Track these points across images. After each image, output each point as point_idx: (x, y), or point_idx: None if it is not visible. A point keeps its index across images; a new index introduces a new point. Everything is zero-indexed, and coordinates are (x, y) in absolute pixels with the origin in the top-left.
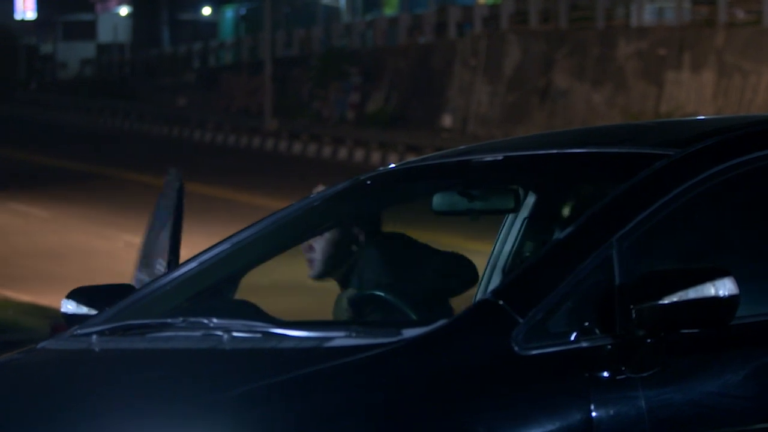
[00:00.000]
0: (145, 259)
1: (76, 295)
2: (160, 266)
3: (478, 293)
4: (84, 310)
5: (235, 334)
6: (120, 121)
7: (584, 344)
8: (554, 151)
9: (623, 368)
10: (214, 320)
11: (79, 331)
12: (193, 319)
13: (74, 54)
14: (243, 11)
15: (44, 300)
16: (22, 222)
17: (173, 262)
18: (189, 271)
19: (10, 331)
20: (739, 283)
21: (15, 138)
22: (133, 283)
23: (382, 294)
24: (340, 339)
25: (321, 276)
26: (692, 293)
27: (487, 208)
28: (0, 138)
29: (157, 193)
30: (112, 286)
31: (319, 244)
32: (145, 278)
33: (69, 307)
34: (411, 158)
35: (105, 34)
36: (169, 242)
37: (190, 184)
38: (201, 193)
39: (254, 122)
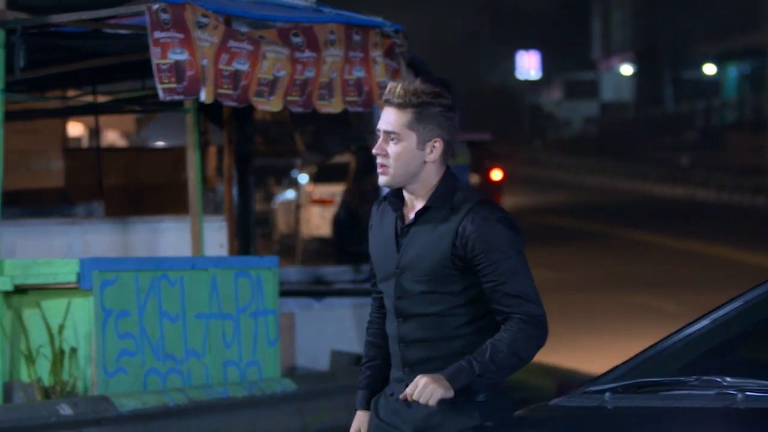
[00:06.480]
0: None
1: None
2: None
3: None
4: None
5: (749, 393)
6: (622, 181)
7: None
8: None
9: None
10: (728, 379)
11: (591, 388)
12: (706, 378)
13: (577, 112)
14: (747, 69)
15: (550, 359)
16: None
17: None
18: (701, 328)
19: (517, 389)
20: None
21: (512, 194)
22: None
23: None
24: None
25: None
26: None
27: None
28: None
29: (662, 253)
30: None
31: None
32: None
33: None
34: None
35: (608, 92)
36: None
37: (692, 243)
38: (704, 252)
39: (758, 181)
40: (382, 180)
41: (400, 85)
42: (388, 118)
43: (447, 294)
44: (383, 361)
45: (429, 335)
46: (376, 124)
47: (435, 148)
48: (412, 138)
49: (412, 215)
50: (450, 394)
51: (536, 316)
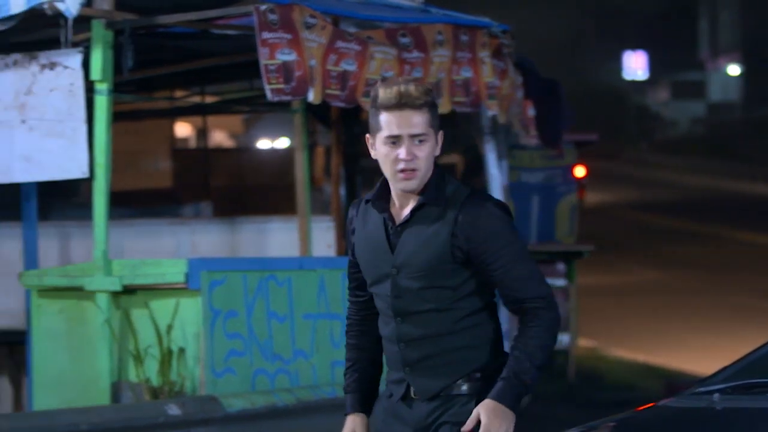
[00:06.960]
0: None
1: None
2: None
3: None
4: None
5: None
6: (730, 181)
7: None
8: None
9: None
10: None
11: (700, 389)
12: None
13: (684, 113)
14: None
15: (656, 359)
16: (635, 281)
17: None
18: None
19: (625, 390)
20: None
21: (619, 195)
22: None
23: None
24: None
25: None
26: None
27: None
28: (605, 195)
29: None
30: None
31: None
32: None
33: None
34: None
35: (715, 92)
36: None
37: None
38: None
39: None
40: (412, 185)
41: (411, 87)
42: (412, 121)
43: (445, 289)
44: (367, 363)
45: (429, 332)
46: (484, 124)
47: (439, 141)
48: (432, 136)
49: (404, 213)
50: (514, 416)
51: (549, 296)
